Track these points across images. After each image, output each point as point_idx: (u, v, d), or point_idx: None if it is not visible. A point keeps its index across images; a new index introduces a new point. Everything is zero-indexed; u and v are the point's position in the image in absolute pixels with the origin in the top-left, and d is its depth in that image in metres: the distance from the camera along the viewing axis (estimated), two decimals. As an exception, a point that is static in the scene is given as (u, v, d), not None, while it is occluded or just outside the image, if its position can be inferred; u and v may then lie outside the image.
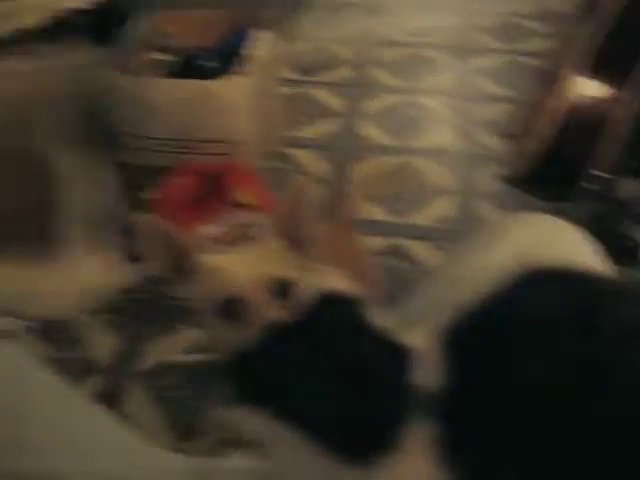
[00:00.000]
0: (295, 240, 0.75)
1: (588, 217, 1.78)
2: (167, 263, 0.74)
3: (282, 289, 0.71)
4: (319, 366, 0.64)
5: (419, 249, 1.83)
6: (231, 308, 0.70)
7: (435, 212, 1.95)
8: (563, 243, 0.85)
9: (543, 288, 0.67)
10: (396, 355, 0.67)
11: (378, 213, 1.93)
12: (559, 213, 1.87)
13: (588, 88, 1.54)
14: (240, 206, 1.66)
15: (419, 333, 0.70)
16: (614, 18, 1.48)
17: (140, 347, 1.53)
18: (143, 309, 1.61)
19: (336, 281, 0.74)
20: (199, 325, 0.74)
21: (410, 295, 0.96)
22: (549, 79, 1.68)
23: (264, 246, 0.75)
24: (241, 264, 0.72)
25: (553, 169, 1.58)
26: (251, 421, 0.65)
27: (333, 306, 0.70)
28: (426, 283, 1.02)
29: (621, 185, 2.03)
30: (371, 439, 0.63)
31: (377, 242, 1.83)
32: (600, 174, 1.77)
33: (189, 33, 2.04)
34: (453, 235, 1.86)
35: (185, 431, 1.31)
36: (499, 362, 0.63)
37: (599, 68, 1.54)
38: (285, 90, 2.36)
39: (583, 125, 1.53)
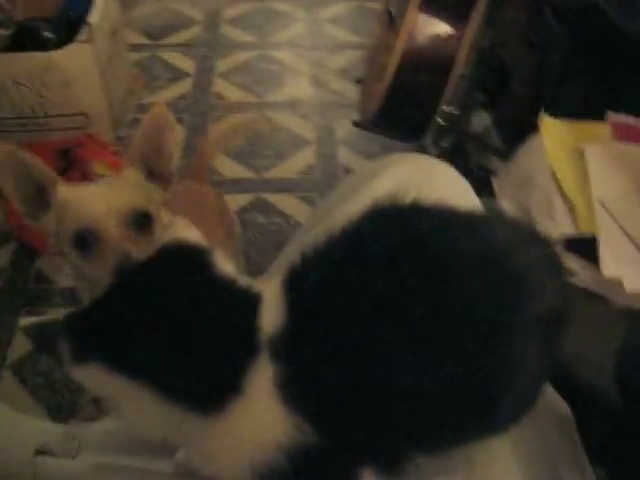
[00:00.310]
0: (154, 173, 0.75)
1: (443, 151, 1.85)
2: (24, 195, 0.72)
3: (139, 221, 0.70)
4: (159, 315, 0.64)
5: (285, 202, 1.85)
6: (86, 239, 0.68)
7: (297, 164, 1.96)
8: (435, 181, 0.86)
9: (386, 224, 0.68)
10: (241, 301, 0.67)
11: (240, 170, 1.92)
12: (418, 150, 1.95)
13: (429, 27, 1.58)
14: (98, 178, 1.62)
15: (273, 279, 0.70)
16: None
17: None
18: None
19: (187, 231, 0.73)
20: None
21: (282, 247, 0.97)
22: (392, 21, 1.71)
23: (122, 178, 0.74)
24: (98, 195, 0.71)
25: (401, 109, 1.61)
26: (92, 377, 0.64)
27: (179, 254, 0.69)
28: (297, 232, 1.03)
29: (472, 118, 2.11)
30: (214, 384, 0.64)
31: (242, 199, 1.83)
32: (449, 109, 1.83)
33: (24, 3, 1.95)
34: (316, 185, 1.89)
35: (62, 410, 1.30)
36: (334, 298, 0.64)
37: (439, 6, 1.58)
38: (134, 56, 2.29)
39: (426, 63, 1.56)
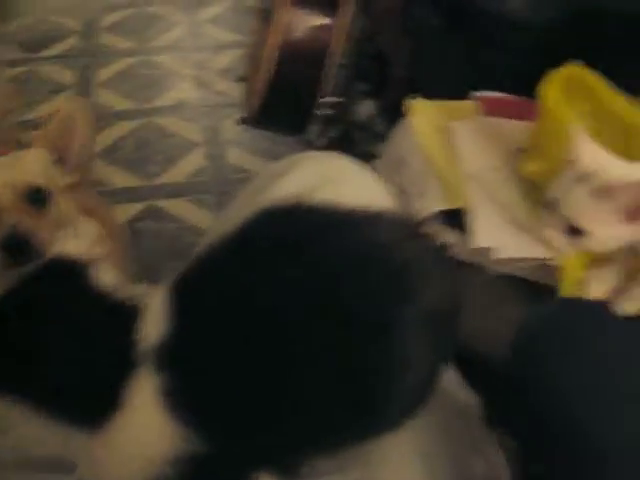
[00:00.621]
0: (61, 157, 0.75)
1: (330, 142, 1.86)
2: None
3: (35, 197, 0.70)
4: (33, 333, 0.62)
5: (177, 207, 1.83)
6: None
7: (187, 167, 1.94)
8: (338, 181, 0.83)
9: (271, 226, 0.68)
10: (118, 314, 0.66)
11: (130, 179, 1.89)
12: (305, 144, 1.96)
13: (301, 19, 1.59)
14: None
15: (161, 287, 0.70)
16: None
17: None
18: None
19: (71, 244, 0.72)
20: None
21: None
22: (267, 17, 1.71)
23: (25, 155, 0.74)
24: None
25: (282, 103, 1.62)
26: None
27: (57, 270, 0.68)
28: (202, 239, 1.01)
29: (356, 107, 2.14)
30: (91, 400, 0.62)
31: (134, 208, 1.80)
32: (331, 100, 1.85)
33: None
34: (207, 187, 1.88)
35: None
36: (218, 304, 0.64)
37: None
38: (10, 72, 2.22)
39: (301, 56, 1.57)
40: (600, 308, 0.80)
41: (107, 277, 0.69)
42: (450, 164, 1.01)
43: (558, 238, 0.87)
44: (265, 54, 1.61)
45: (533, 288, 0.94)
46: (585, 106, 0.93)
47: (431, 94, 1.27)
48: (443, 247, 0.78)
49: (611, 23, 1.32)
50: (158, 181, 1.90)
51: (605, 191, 0.81)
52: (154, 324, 0.65)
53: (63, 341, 0.63)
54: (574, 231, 0.85)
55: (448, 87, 1.51)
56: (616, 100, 0.91)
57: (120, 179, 1.89)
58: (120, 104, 2.16)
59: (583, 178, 0.83)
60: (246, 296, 0.62)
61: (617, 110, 0.91)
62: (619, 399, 0.67)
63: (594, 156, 0.82)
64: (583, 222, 0.84)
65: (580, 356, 0.71)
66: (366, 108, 2.14)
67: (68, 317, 0.64)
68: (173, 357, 0.63)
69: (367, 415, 0.65)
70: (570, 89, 0.93)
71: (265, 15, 1.75)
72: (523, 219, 0.95)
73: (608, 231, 0.83)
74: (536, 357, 0.76)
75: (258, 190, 0.87)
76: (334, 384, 0.61)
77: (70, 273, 0.67)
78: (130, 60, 2.34)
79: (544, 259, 0.92)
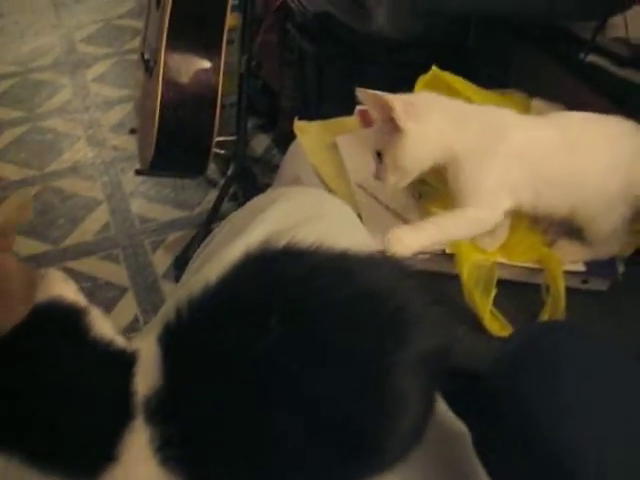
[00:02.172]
0: None
1: (229, 179, 1.90)
2: None
3: None
4: (29, 384, 0.61)
5: (88, 266, 1.82)
6: None
7: (92, 226, 1.94)
8: (317, 218, 0.80)
9: (257, 274, 0.64)
10: (115, 365, 0.63)
11: (36, 245, 1.87)
12: (207, 184, 1.98)
13: (182, 64, 1.62)
14: None
15: (149, 336, 0.66)
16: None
17: None
18: None
19: (62, 286, 0.70)
20: None
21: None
22: (148, 66, 1.74)
23: None
24: None
25: (176, 148, 1.64)
26: None
27: (52, 317, 0.65)
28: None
29: (252, 142, 2.19)
30: (86, 453, 0.61)
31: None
32: (226, 138, 1.89)
33: None
34: (115, 241, 1.89)
35: None
36: (207, 355, 0.61)
37: (187, 43, 1.63)
38: None
39: (187, 100, 1.61)
40: (578, 331, 0.78)
41: (102, 326, 0.67)
42: (339, 176, 1.07)
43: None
44: (152, 104, 1.63)
45: (437, 277, 1.00)
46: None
47: (319, 118, 1.33)
48: (435, 286, 0.74)
49: (467, 34, 1.42)
50: (65, 244, 1.89)
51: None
52: (146, 376, 0.63)
53: (58, 393, 0.61)
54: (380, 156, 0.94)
55: (334, 108, 1.57)
56: (471, 91, 0.98)
57: (25, 247, 1.87)
58: (17, 173, 2.14)
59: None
60: (236, 348, 0.60)
61: (473, 99, 0.98)
62: (596, 422, 0.65)
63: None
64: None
65: (555, 381, 0.68)
66: (261, 141, 2.20)
67: (63, 368, 0.62)
68: (165, 409, 0.61)
69: (361, 460, 0.63)
70: (434, 90, 1.01)
71: (146, 65, 1.78)
72: (412, 216, 1.00)
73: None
74: (512, 383, 0.77)
75: (238, 229, 0.83)
76: (328, 432, 0.59)
77: (67, 321, 0.65)
78: (21, 129, 2.32)
79: (439, 249, 0.98)
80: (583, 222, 0.97)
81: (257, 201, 0.84)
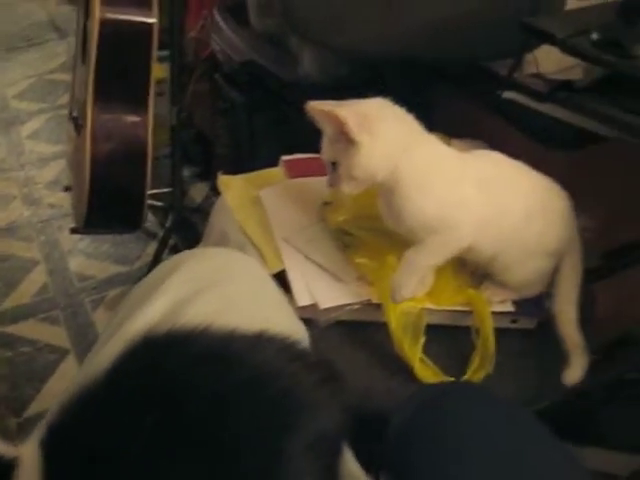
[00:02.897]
0: None
1: (169, 230, 1.88)
2: None
3: None
4: None
5: (27, 329, 1.78)
6: None
7: (30, 287, 1.90)
8: (218, 285, 0.76)
9: (139, 367, 0.61)
10: None
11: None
12: (146, 238, 1.96)
13: (110, 121, 1.61)
14: None
15: (33, 438, 0.64)
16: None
17: None
18: None
19: None
20: None
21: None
22: (78, 124, 1.73)
23: None
24: None
25: (109, 205, 1.63)
26: None
27: None
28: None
29: (190, 191, 2.18)
30: None
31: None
32: (161, 190, 1.88)
33: None
34: (54, 302, 1.85)
35: None
36: (89, 458, 0.57)
37: (114, 100, 1.62)
38: None
39: (118, 156, 1.59)
40: (471, 394, 0.79)
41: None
42: (264, 231, 1.06)
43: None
44: (82, 161, 1.62)
45: (368, 328, 1.00)
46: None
47: (250, 167, 1.33)
48: (327, 365, 0.70)
49: (387, 75, 1.44)
50: (2, 307, 1.84)
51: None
52: None
53: None
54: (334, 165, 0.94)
55: (267, 156, 1.58)
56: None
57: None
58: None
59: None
60: (112, 453, 0.57)
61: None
62: None
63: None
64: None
65: (442, 450, 0.69)
66: (200, 190, 2.19)
67: None
68: None
69: None
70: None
71: (75, 123, 1.76)
72: (339, 268, 1.00)
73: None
74: (401, 454, 0.74)
75: (139, 302, 0.78)
76: None
77: None
78: (-47, 192, 2.28)
79: (366, 299, 0.97)
80: (501, 268, 0.98)
81: (159, 270, 0.81)
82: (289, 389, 0.60)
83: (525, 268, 0.98)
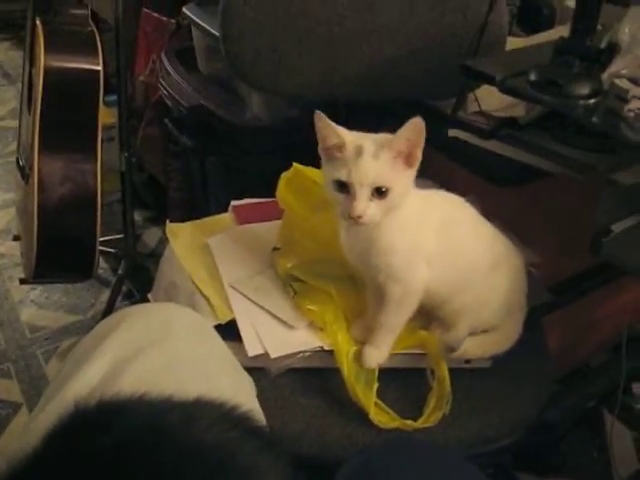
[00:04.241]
0: None
1: (121, 277, 1.85)
2: None
3: None
4: None
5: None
6: None
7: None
8: (161, 344, 0.74)
9: (67, 450, 0.58)
10: None
11: None
12: (99, 285, 1.93)
13: (57, 169, 1.58)
14: None
15: None
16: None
17: None
18: None
19: None
20: None
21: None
22: (24, 172, 1.70)
23: None
24: None
25: (59, 253, 1.60)
26: None
27: None
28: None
29: (143, 237, 2.16)
30: None
31: None
32: (113, 237, 1.86)
33: None
34: (5, 354, 1.81)
35: None
36: None
37: (60, 147, 1.60)
38: None
39: (66, 204, 1.57)
40: (410, 450, 0.79)
41: None
42: (213, 279, 1.05)
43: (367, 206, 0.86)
44: (30, 211, 1.59)
45: (321, 375, 0.99)
46: (310, 196, 1.01)
47: (203, 211, 1.32)
48: (265, 432, 0.69)
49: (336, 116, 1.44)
50: None
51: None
52: None
53: None
54: (379, 192, 0.86)
55: (220, 198, 1.57)
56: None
57: None
58: None
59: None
60: None
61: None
62: None
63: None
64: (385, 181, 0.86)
65: None
66: (154, 235, 2.17)
67: None
68: None
69: None
70: (296, 186, 1.01)
71: (21, 171, 1.74)
72: (289, 315, 0.99)
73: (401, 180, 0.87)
74: None
75: (80, 361, 0.75)
76: None
77: None
78: None
79: (318, 346, 0.96)
80: (452, 312, 0.99)
81: (101, 326, 0.79)
82: (229, 458, 0.58)
83: (476, 316, 0.98)
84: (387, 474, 0.71)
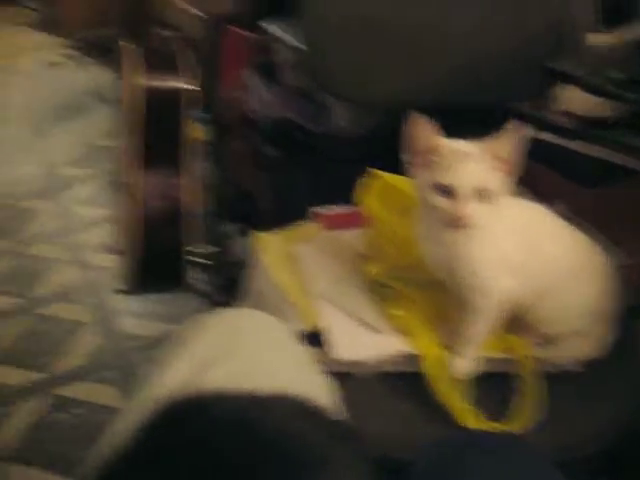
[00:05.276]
0: None
1: (219, 287, 1.91)
2: None
3: None
4: None
5: (81, 391, 1.81)
6: None
7: (83, 349, 1.94)
8: (243, 347, 0.77)
9: (164, 435, 0.62)
10: None
11: (26, 375, 1.87)
12: (192, 295, 1.99)
13: (149, 184, 1.65)
14: None
15: None
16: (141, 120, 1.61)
17: None
18: None
19: None
20: None
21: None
22: (122, 187, 1.78)
23: None
24: None
25: (155, 265, 1.67)
26: None
27: None
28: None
29: (235, 248, 2.21)
30: None
31: (38, 404, 1.77)
32: (206, 249, 1.92)
33: None
34: (108, 364, 1.89)
35: None
36: None
37: (151, 165, 1.67)
38: None
39: (158, 216, 1.63)
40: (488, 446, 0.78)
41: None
42: (300, 288, 1.07)
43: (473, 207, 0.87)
44: (129, 223, 1.67)
45: (408, 379, 1.00)
46: (393, 202, 1.02)
47: (291, 221, 1.35)
48: (342, 426, 0.71)
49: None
50: (56, 371, 1.88)
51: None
52: None
53: None
54: (482, 196, 0.86)
55: (302, 211, 1.60)
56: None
57: (14, 377, 1.86)
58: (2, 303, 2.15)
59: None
60: None
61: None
62: None
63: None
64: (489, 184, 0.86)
65: None
66: (243, 246, 2.22)
67: None
68: None
69: None
70: (378, 192, 1.03)
71: (121, 186, 1.82)
72: (376, 320, 1.01)
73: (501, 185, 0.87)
74: None
75: (162, 365, 0.77)
76: None
77: None
78: (5, 258, 2.35)
79: (404, 350, 0.98)
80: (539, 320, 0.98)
81: (185, 331, 0.82)
82: (305, 449, 0.60)
83: (564, 321, 0.97)
84: (464, 467, 0.72)
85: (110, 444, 0.63)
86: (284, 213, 1.93)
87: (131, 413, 0.76)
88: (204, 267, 2.02)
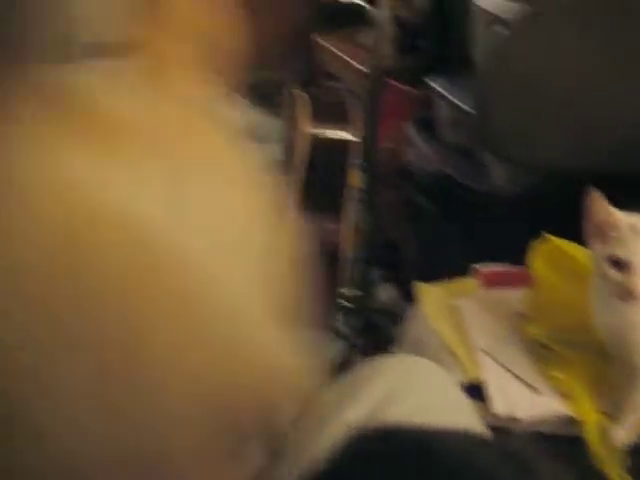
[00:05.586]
0: None
1: (355, 330, 1.96)
2: None
3: None
4: None
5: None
6: None
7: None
8: (420, 390, 0.81)
9: (363, 456, 0.64)
10: None
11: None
12: (332, 333, 2.05)
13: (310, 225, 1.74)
14: None
15: None
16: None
17: None
18: None
19: None
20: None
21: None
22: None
23: None
24: None
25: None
26: None
27: None
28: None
29: (377, 294, 2.26)
30: None
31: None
32: (351, 292, 1.98)
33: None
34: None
35: None
36: None
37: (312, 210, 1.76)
38: None
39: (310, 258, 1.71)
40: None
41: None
42: (461, 340, 1.11)
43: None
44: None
45: (564, 441, 1.01)
46: (563, 268, 1.04)
47: (437, 273, 1.38)
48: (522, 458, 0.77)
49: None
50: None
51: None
52: None
53: None
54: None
55: (451, 265, 1.63)
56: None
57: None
58: None
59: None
60: None
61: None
62: None
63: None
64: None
65: None
66: (387, 292, 2.27)
67: None
68: None
69: None
70: (548, 256, 1.05)
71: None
72: (536, 380, 1.03)
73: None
74: None
75: (339, 401, 0.81)
76: None
77: None
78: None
79: (562, 412, 0.99)
80: None
81: (359, 372, 0.86)
82: (489, 477, 0.61)
83: None
84: None
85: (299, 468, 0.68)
86: (431, 265, 1.97)
87: (321, 439, 0.81)
88: (346, 310, 2.08)
